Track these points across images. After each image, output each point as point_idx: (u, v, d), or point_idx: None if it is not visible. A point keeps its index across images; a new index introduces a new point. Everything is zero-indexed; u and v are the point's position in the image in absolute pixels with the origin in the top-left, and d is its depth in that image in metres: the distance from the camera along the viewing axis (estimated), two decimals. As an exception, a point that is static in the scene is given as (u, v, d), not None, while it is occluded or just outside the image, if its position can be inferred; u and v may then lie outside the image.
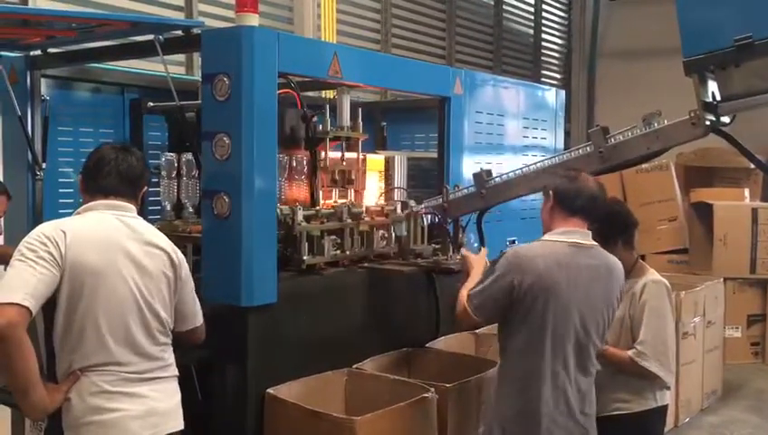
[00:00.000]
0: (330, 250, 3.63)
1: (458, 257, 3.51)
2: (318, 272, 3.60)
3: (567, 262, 2.77)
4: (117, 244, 2.47)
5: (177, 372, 2.62)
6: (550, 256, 2.77)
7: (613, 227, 3.21)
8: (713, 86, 3.17)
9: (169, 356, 2.59)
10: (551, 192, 2.91)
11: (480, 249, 3.67)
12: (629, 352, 3.16)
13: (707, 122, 3.18)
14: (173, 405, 2.56)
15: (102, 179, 2.56)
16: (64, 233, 2.39)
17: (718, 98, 3.17)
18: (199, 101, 3.40)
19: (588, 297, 2.79)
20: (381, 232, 3.98)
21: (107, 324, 2.41)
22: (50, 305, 2.39)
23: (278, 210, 3.45)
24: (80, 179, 2.66)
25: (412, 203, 4.04)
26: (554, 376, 2.75)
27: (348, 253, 3.75)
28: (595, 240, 2.92)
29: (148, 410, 2.46)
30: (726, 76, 3.10)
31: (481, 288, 2.84)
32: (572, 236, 2.83)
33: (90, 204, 2.55)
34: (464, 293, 2.95)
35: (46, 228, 2.41)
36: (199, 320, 2.75)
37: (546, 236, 2.88)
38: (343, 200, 3.94)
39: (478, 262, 3.25)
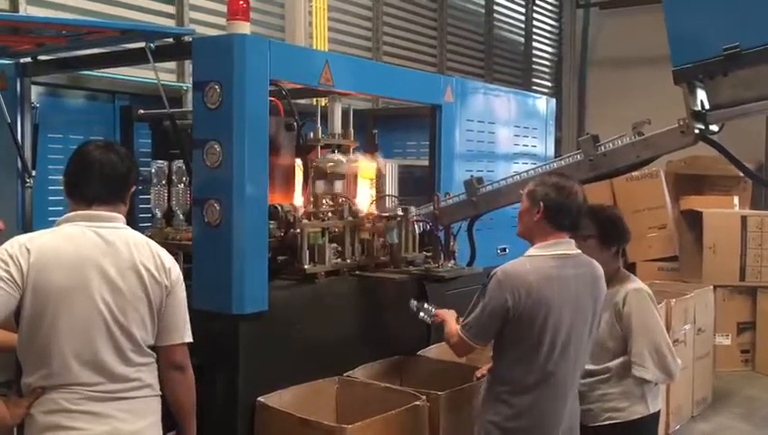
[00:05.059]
0: (331, 258, 3.61)
1: (433, 312, 3.35)
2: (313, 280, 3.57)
3: (557, 275, 2.76)
4: (89, 261, 2.31)
5: (156, 392, 2.46)
6: (539, 271, 2.75)
7: (615, 233, 3.21)
8: (702, 95, 3.19)
9: (147, 377, 2.41)
10: (541, 203, 2.81)
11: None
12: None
13: (696, 131, 3.20)
14: (142, 426, 2.37)
15: (84, 187, 2.40)
16: (29, 251, 2.26)
17: (707, 106, 3.19)
18: (190, 108, 3.39)
19: (578, 309, 2.79)
20: (381, 240, 3.95)
21: (71, 346, 2.28)
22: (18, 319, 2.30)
23: (278, 207, 3.42)
24: (63, 182, 2.49)
25: (412, 210, 4.02)
26: (545, 387, 2.76)
27: (348, 261, 3.72)
28: (593, 243, 2.94)
29: (111, 430, 2.31)
30: (715, 85, 3.12)
31: (476, 315, 2.81)
32: (558, 247, 2.81)
33: (68, 215, 2.41)
34: (452, 329, 2.93)
35: (12, 246, 2.29)
36: (180, 338, 2.47)
37: (532, 251, 2.84)
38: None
39: (449, 314, 3.17)
